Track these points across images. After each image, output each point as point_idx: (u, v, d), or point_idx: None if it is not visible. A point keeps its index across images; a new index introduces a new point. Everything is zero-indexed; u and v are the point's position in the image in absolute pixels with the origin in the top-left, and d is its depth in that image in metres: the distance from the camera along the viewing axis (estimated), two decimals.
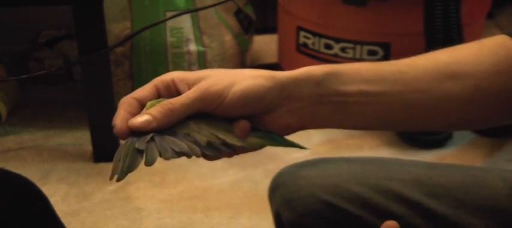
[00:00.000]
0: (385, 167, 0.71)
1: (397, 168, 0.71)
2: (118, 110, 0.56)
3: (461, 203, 0.67)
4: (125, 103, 0.56)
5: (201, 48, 1.70)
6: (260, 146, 0.57)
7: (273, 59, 2.05)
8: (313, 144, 1.64)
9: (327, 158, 0.75)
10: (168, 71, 1.70)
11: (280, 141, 0.58)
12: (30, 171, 1.56)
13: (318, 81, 0.56)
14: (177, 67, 1.71)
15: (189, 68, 1.72)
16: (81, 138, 1.71)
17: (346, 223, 0.69)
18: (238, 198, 1.48)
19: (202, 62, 1.72)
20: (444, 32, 1.47)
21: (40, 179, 1.55)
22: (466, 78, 0.57)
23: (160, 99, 0.56)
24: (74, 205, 1.47)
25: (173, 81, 0.57)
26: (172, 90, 0.57)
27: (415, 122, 0.60)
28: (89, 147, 1.63)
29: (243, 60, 1.87)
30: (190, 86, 0.56)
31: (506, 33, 0.60)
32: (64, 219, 0.77)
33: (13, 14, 2.11)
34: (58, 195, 1.50)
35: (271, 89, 0.56)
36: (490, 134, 1.68)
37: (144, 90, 0.57)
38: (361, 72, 0.57)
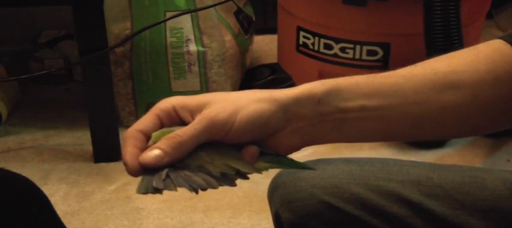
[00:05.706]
0: (385, 167, 0.71)
1: (396, 169, 0.71)
2: (125, 146, 0.55)
3: (461, 204, 0.67)
4: (130, 137, 0.55)
5: (201, 49, 1.70)
6: (270, 169, 0.58)
7: (273, 59, 2.05)
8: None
9: (327, 159, 0.75)
10: (168, 71, 1.72)
11: (289, 163, 0.59)
12: (30, 171, 1.57)
13: (318, 100, 0.57)
14: (177, 67, 1.71)
15: (189, 68, 1.72)
16: (81, 138, 1.71)
17: (346, 224, 0.69)
18: (238, 198, 1.48)
19: (202, 62, 1.72)
20: (444, 33, 1.46)
21: (40, 179, 1.55)
22: (463, 87, 0.57)
23: (164, 129, 0.56)
24: (74, 205, 1.47)
25: (174, 109, 0.57)
26: (174, 118, 0.57)
27: (414, 134, 0.60)
28: (89, 147, 1.63)
29: (243, 60, 1.87)
30: (192, 113, 0.56)
31: (501, 38, 0.60)
32: (64, 219, 0.77)
33: (13, 14, 2.12)
34: (58, 195, 1.50)
35: (275, 112, 0.56)
36: (490, 134, 1.68)
37: (146, 121, 0.56)
38: (360, 86, 0.57)
